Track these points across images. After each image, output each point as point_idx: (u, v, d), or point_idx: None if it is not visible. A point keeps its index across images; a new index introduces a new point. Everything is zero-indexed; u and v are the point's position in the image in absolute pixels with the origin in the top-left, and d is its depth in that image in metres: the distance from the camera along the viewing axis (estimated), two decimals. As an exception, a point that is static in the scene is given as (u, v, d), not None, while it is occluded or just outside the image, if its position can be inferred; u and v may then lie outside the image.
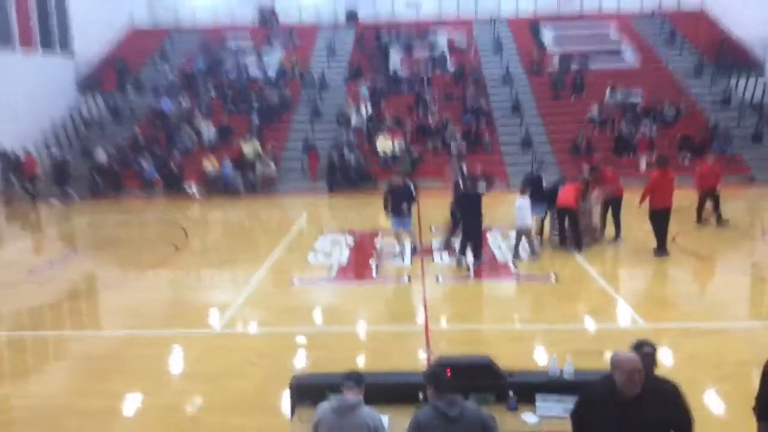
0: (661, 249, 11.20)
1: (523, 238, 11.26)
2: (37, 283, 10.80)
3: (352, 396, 4.05)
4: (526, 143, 20.72)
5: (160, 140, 21.08)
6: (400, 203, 11.28)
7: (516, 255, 11.28)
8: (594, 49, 25.55)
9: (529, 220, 11.25)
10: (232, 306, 9.39)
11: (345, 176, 19.26)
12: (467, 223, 10.94)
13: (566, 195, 11.41)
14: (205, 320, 8.93)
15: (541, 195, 11.84)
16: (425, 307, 9.14)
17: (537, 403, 4.81)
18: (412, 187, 11.65)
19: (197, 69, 25.23)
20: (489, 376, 4.99)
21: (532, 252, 11.32)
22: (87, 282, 10.92)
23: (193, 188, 18.64)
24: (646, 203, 11.33)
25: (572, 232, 11.52)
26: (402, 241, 11.63)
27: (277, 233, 13.12)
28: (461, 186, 11.94)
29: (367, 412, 4.05)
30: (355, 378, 4.13)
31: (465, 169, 13.25)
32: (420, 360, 7.34)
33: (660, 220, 11.20)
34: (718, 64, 23.95)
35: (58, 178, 19.15)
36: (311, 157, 20.13)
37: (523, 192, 11.23)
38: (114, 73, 24.98)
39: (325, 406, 4.12)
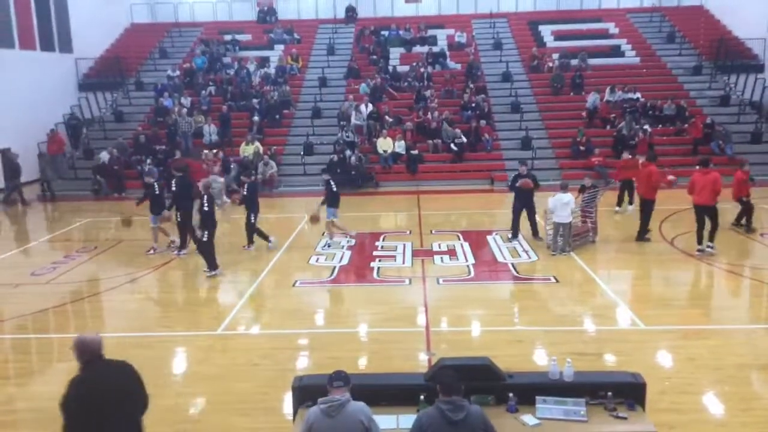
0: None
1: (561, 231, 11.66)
2: (40, 284, 10.83)
3: (340, 395, 4.11)
4: (526, 142, 20.71)
5: (161, 139, 21.06)
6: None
7: (563, 249, 11.66)
8: (593, 45, 25.57)
9: (571, 214, 11.61)
10: (234, 307, 9.45)
11: (346, 176, 19.26)
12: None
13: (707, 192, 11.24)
14: (208, 322, 8.98)
15: None
16: (426, 308, 9.19)
17: (537, 405, 4.84)
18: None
19: (197, 67, 25.12)
20: (489, 377, 5.01)
21: (561, 248, 11.67)
22: (89, 284, 10.94)
23: None
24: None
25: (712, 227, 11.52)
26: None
27: (278, 234, 13.14)
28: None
29: (356, 406, 4.12)
30: (344, 377, 4.20)
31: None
32: (421, 361, 7.40)
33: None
34: (717, 62, 23.96)
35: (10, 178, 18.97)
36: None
37: (564, 188, 11.68)
38: (115, 72, 24.98)
39: (314, 410, 4.15)
